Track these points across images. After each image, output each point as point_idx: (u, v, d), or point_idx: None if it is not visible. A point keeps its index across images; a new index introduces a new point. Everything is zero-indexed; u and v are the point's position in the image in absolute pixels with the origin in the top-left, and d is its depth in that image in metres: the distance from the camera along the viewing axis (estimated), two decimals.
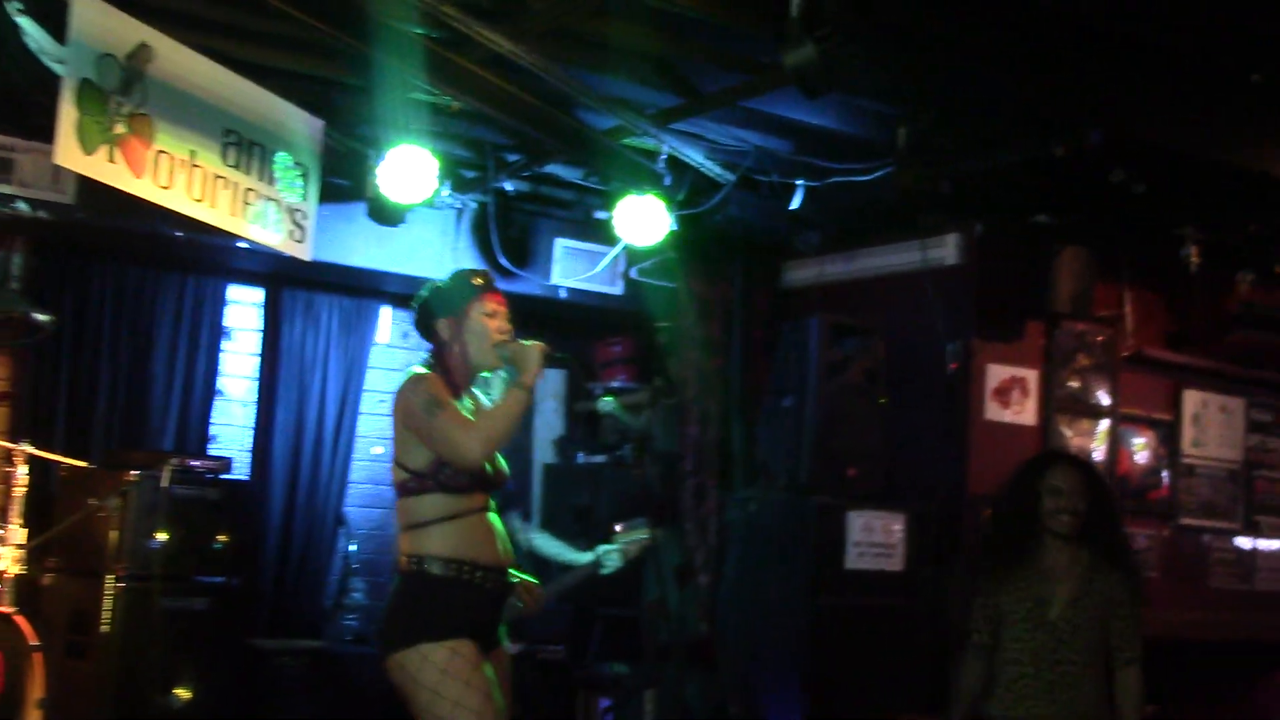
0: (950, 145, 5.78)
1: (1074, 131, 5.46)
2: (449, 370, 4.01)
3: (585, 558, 5.97)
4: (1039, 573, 4.38)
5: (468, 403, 4.04)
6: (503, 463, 4.10)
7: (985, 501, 6.39)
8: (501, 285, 7.17)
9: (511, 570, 4.07)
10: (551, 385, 8.43)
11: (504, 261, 7.26)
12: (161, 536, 5.87)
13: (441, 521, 3.88)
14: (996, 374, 6.70)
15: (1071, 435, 6.89)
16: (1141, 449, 7.24)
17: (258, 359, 7.38)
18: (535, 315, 8.09)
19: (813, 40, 4.28)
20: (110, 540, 5.80)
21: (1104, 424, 7.03)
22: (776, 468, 6.39)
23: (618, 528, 6.04)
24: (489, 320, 4.03)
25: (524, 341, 3.99)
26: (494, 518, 4.04)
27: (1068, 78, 5.21)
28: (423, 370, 3.98)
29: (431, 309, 4.08)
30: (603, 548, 5.94)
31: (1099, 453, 6.95)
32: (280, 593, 7.15)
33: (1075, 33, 4.97)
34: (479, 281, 4.08)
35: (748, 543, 6.43)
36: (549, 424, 8.38)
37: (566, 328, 8.31)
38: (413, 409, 3.87)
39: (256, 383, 7.36)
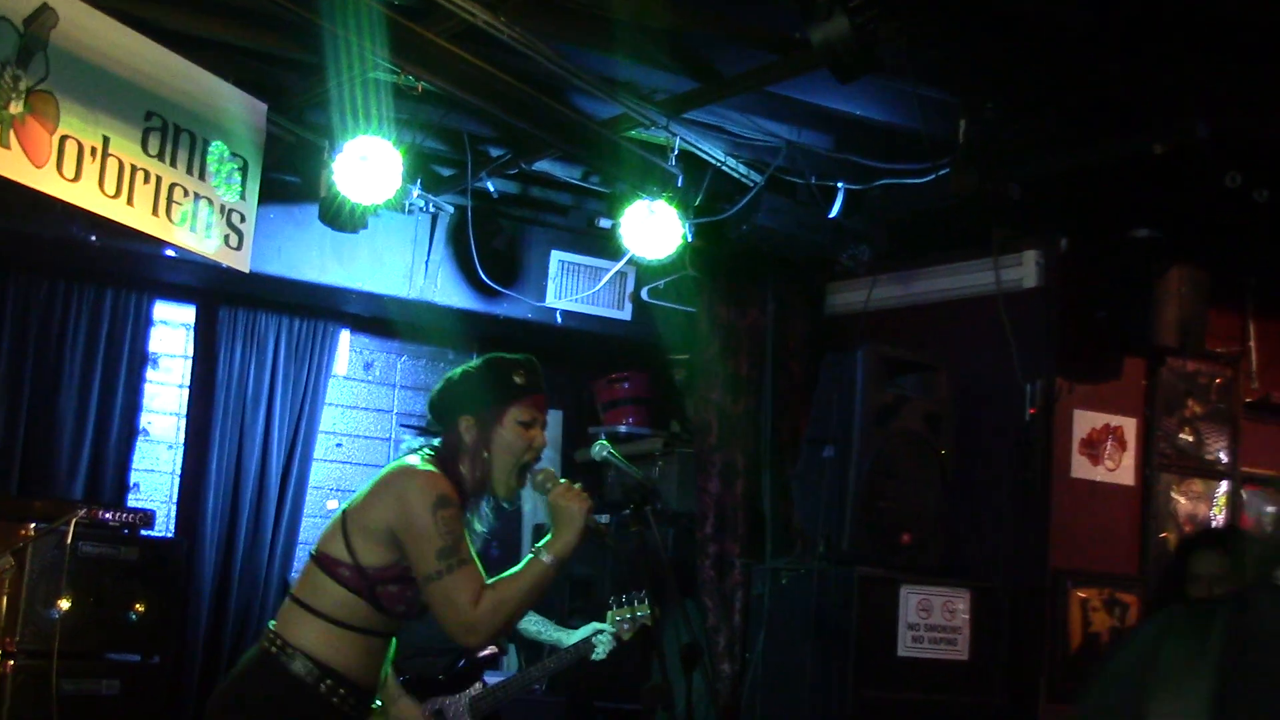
0: (1023, 141, 5.76)
1: (1177, 125, 5.43)
2: (456, 479, 3.91)
3: (573, 636, 5.93)
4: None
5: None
6: None
7: (1073, 576, 6.37)
8: (485, 307, 7.43)
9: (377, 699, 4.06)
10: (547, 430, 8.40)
11: (486, 278, 7.26)
12: (64, 605, 5.87)
13: (338, 625, 3.81)
14: (1085, 422, 6.67)
15: (1181, 499, 6.84)
16: (1273, 519, 7.13)
17: (187, 391, 7.40)
18: (525, 344, 8.11)
19: (844, 11, 4.24)
20: (0, 608, 5.77)
21: (1222, 486, 6.99)
22: (814, 532, 6.37)
23: (612, 601, 6.04)
24: (524, 431, 3.96)
25: (569, 486, 3.89)
26: (388, 645, 3.99)
27: (1169, 59, 5.18)
28: (431, 469, 3.85)
29: (456, 399, 3.99)
30: (594, 625, 5.93)
31: (1217, 522, 6.90)
32: (211, 675, 7.12)
33: (1178, 4, 4.94)
34: (521, 380, 4.00)
35: (779, 623, 6.40)
36: None
37: (563, 360, 8.36)
38: (417, 517, 3.75)
39: (185, 420, 7.38)
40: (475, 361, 4.10)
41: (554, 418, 8.47)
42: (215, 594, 7.21)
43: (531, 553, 3.81)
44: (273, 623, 3.89)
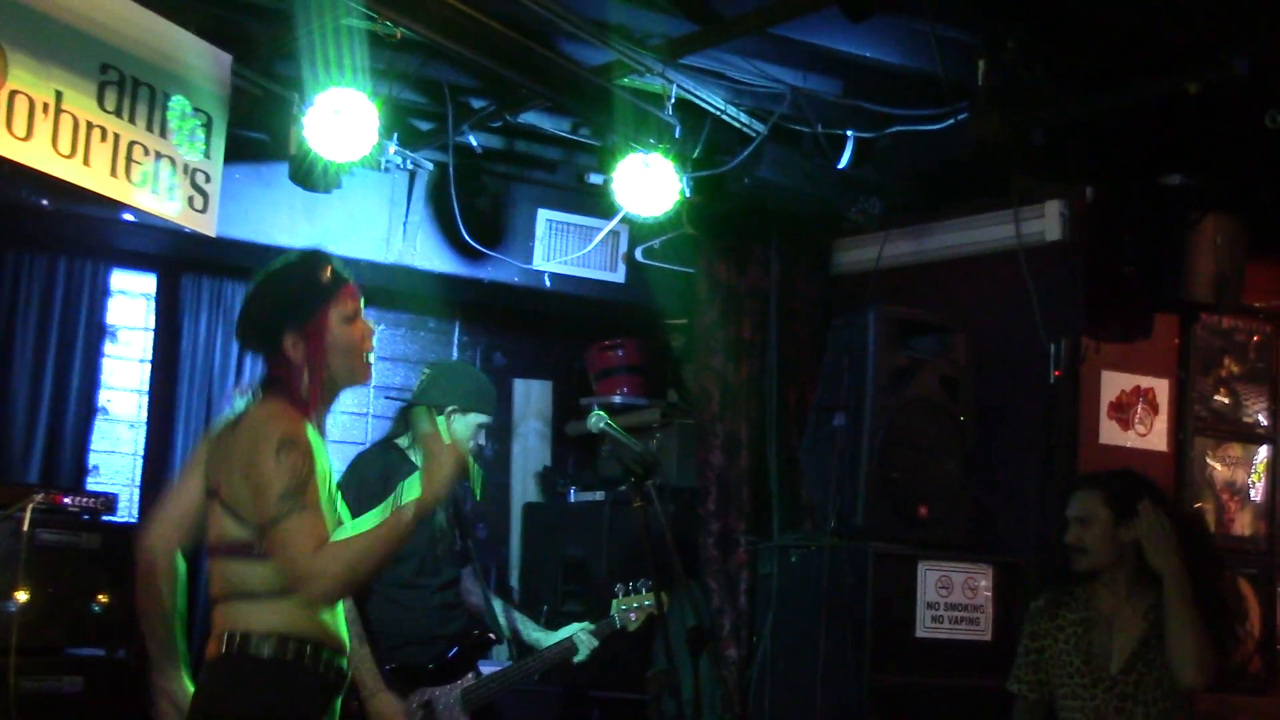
0: (1046, 83, 5.72)
1: (1214, 62, 5.39)
2: (297, 398, 3.83)
3: (553, 638, 5.96)
4: (1090, 618, 4.64)
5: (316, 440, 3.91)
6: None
7: None
8: (468, 271, 7.40)
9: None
10: (535, 401, 8.42)
11: (470, 239, 7.23)
12: (21, 596, 5.83)
13: (278, 596, 3.74)
14: (1114, 384, 6.68)
15: (1217, 465, 6.86)
16: None
17: (149, 366, 7.37)
18: (512, 310, 8.20)
19: None
20: None
21: (1262, 451, 7.02)
22: (825, 507, 6.38)
23: (618, 590, 6.04)
24: (351, 327, 3.90)
25: (434, 431, 3.78)
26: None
27: None
28: (268, 408, 3.81)
29: (270, 318, 3.91)
30: (575, 627, 5.96)
31: (1257, 490, 6.94)
32: None
33: None
34: (327, 276, 3.92)
35: (788, 604, 6.41)
36: (532, 451, 8.39)
37: (553, 326, 8.35)
38: (261, 460, 3.71)
39: (148, 397, 7.35)
40: (272, 274, 3.98)
41: (543, 389, 8.46)
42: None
43: (393, 504, 3.72)
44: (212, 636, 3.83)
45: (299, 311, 3.87)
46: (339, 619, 3.93)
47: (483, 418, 5.81)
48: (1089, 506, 4.70)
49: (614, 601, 6.00)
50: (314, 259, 3.97)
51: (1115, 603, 4.64)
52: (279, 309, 3.90)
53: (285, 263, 3.99)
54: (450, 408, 5.71)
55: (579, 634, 5.91)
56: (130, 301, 7.38)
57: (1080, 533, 4.66)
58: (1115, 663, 4.58)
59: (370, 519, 3.76)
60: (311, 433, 3.80)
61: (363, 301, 3.98)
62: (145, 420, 7.34)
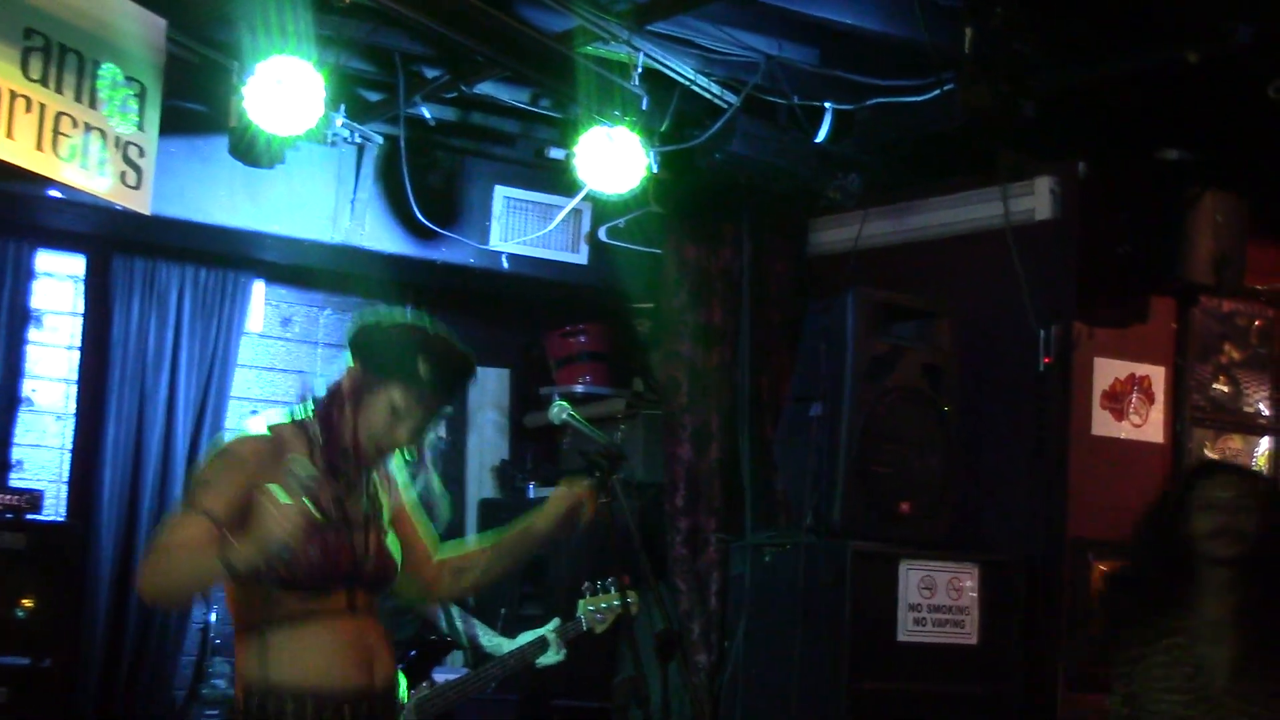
0: (1038, 52, 5.69)
1: (1214, 30, 5.40)
2: (329, 424, 3.93)
3: (513, 642, 5.98)
4: (1195, 626, 4.41)
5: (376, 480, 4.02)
6: (390, 544, 4.03)
7: (1095, 548, 6.41)
8: (420, 252, 7.38)
9: (395, 693, 4.06)
10: (491, 391, 8.41)
11: (422, 218, 7.21)
12: None
13: (278, 627, 3.82)
14: (1108, 371, 6.69)
15: (1216, 457, 6.84)
16: None
17: (78, 354, 7.34)
18: (467, 293, 8.18)
19: None
20: None
21: (1264, 443, 7.04)
22: (801, 503, 6.37)
23: (585, 590, 6.04)
24: (389, 417, 3.94)
25: (288, 505, 3.71)
26: (356, 624, 3.95)
27: None
28: (247, 435, 3.89)
29: (361, 339, 4.01)
30: (537, 632, 5.95)
31: None
32: (111, 679, 7.09)
33: None
34: (423, 373, 3.94)
35: (761, 606, 6.41)
36: (488, 444, 8.40)
37: (510, 310, 8.35)
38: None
39: (77, 386, 7.33)
40: (405, 318, 4.08)
41: (500, 377, 8.46)
42: (115, 586, 7.14)
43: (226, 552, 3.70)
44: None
45: (373, 360, 3.94)
46: (371, 655, 3.93)
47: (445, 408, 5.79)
48: (1244, 491, 4.44)
49: (580, 602, 6.01)
50: (437, 352, 3.99)
51: (1222, 607, 4.39)
52: (370, 340, 3.98)
53: (429, 331, 4.02)
54: None
55: (547, 635, 5.90)
56: (57, 284, 7.35)
57: (1238, 516, 4.36)
58: (1222, 676, 4.34)
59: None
60: (299, 462, 3.75)
61: (424, 422, 4.01)
62: (74, 412, 7.32)
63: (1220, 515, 4.38)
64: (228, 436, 3.94)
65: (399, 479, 4.17)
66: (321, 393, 4.00)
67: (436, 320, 4.08)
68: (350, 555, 3.92)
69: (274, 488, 3.70)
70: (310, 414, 3.96)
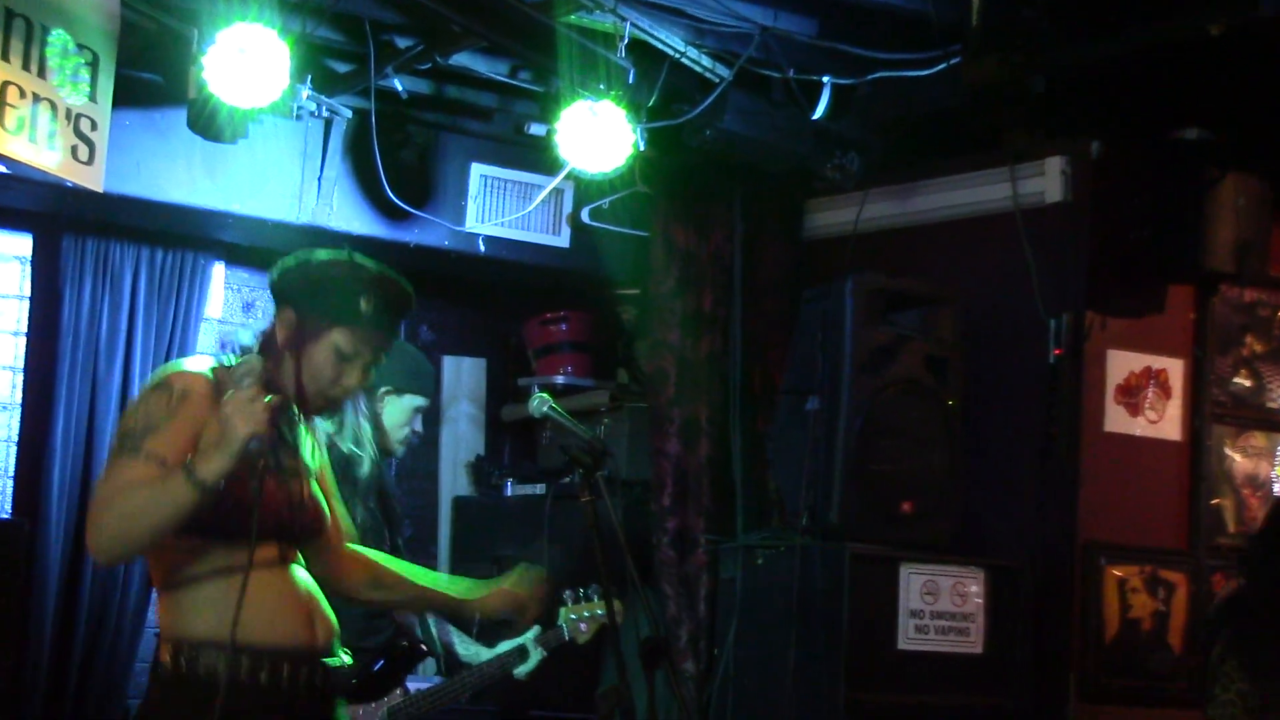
0: (1049, 24, 5.71)
1: (1237, 0, 5.38)
2: (270, 384, 3.93)
3: (486, 653, 6.02)
4: None
5: (305, 437, 4.07)
6: (319, 495, 4.09)
7: (1108, 551, 6.43)
8: (391, 234, 7.36)
9: (336, 653, 4.07)
10: (466, 381, 8.40)
11: (394, 198, 7.19)
12: None
13: (211, 580, 3.84)
14: (1122, 364, 6.70)
15: (1237, 456, 6.87)
16: None
17: (24, 340, 7.33)
18: (441, 278, 8.16)
19: None
20: None
21: None
22: (796, 502, 6.38)
23: (567, 597, 6.05)
24: (336, 363, 4.00)
25: (250, 397, 3.76)
26: (292, 574, 4.01)
27: None
28: (181, 369, 3.93)
29: (291, 284, 4.05)
30: (516, 642, 5.97)
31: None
32: (60, 687, 7.06)
33: None
34: (366, 308, 4.00)
35: (753, 612, 6.43)
36: (462, 438, 8.40)
37: (487, 296, 8.34)
38: (131, 406, 3.89)
39: (23, 375, 7.31)
40: (333, 254, 4.11)
41: (475, 367, 8.44)
42: (64, 587, 7.11)
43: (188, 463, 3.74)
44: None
45: (314, 303, 3.97)
46: (310, 610, 3.99)
47: (419, 400, 5.80)
48: None
49: (561, 610, 6.02)
50: (374, 283, 4.04)
51: None
52: (305, 283, 4.01)
53: (358, 263, 4.08)
54: (383, 389, 5.69)
55: (527, 643, 5.90)
56: (2, 266, 7.32)
57: None
58: None
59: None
60: (248, 364, 3.86)
61: (373, 361, 4.06)
62: (20, 402, 7.29)
63: None
64: (165, 371, 3.93)
65: (321, 441, 4.22)
66: (248, 343, 4.02)
67: (358, 253, 4.12)
68: (286, 502, 3.96)
69: (239, 372, 3.81)
70: (224, 362, 3.98)
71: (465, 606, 4.53)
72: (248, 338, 4.05)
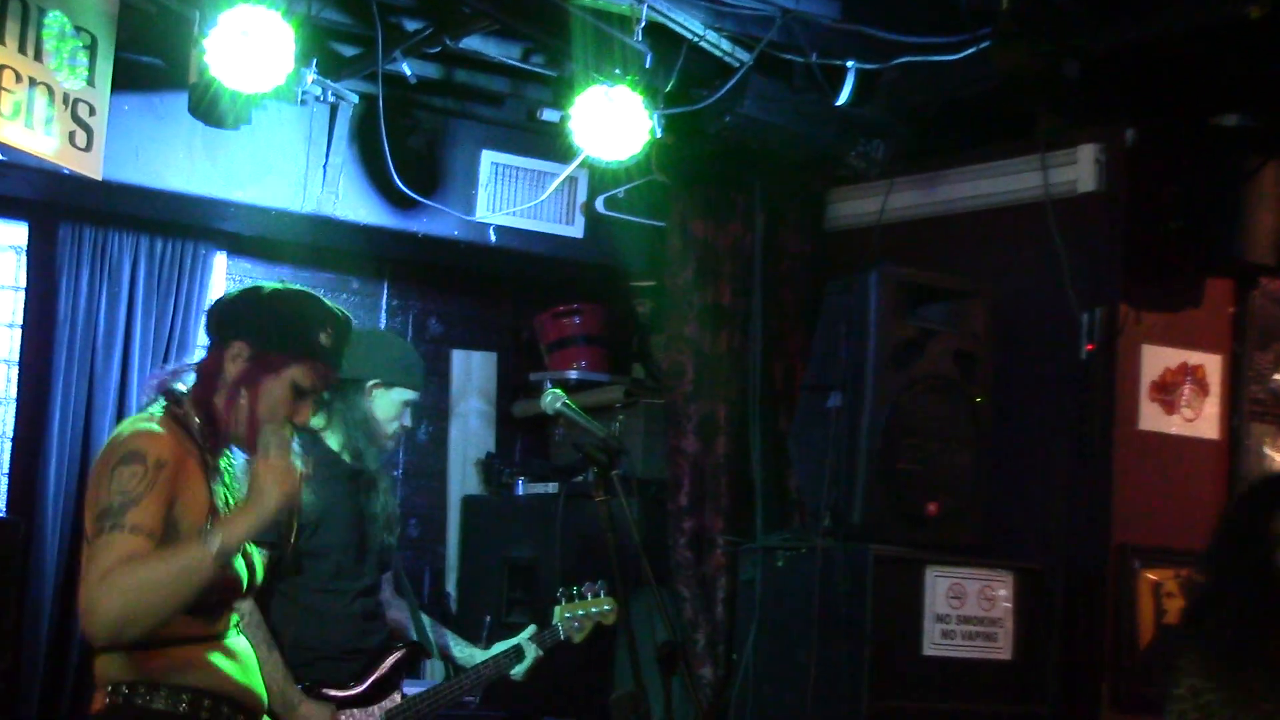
0: (1081, 5, 5.72)
1: None
2: (208, 410, 3.96)
3: (482, 655, 6.00)
4: None
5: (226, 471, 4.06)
6: (258, 559, 4.06)
7: (1142, 554, 6.40)
8: (399, 223, 7.36)
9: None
10: (476, 376, 8.40)
11: (402, 186, 7.18)
12: None
13: (165, 648, 3.83)
14: (1158, 360, 6.69)
15: (1277, 455, 6.88)
16: None
17: (19, 332, 7.34)
18: (450, 269, 8.16)
19: None
20: None
21: None
22: (817, 502, 6.37)
23: (561, 595, 6.07)
24: (293, 399, 4.00)
25: (279, 459, 3.81)
26: (237, 643, 4.02)
27: None
28: (148, 430, 3.87)
29: (241, 317, 4.04)
30: (511, 642, 5.96)
31: None
32: (56, 691, 7.07)
33: None
34: (325, 342, 4.03)
35: (773, 616, 6.42)
36: (472, 435, 8.40)
37: (498, 288, 8.34)
38: (95, 477, 3.80)
39: (18, 369, 7.32)
40: (284, 286, 4.14)
41: (485, 361, 8.44)
42: (60, 589, 7.11)
43: (203, 538, 3.73)
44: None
45: (272, 337, 3.97)
46: (248, 673, 4.00)
47: (409, 394, 5.79)
48: None
49: (556, 609, 6.03)
50: (330, 318, 4.07)
51: None
52: (260, 316, 4.00)
53: (311, 296, 4.11)
54: (371, 381, 5.69)
55: (523, 642, 5.90)
56: None
57: None
58: None
59: None
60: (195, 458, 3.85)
61: (323, 396, 4.16)
62: (14, 397, 7.30)
63: None
64: (123, 434, 3.86)
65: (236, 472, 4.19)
66: (185, 383, 4.01)
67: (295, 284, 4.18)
68: (238, 578, 3.95)
69: (266, 438, 3.78)
70: (170, 406, 3.96)
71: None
72: (185, 380, 4.05)
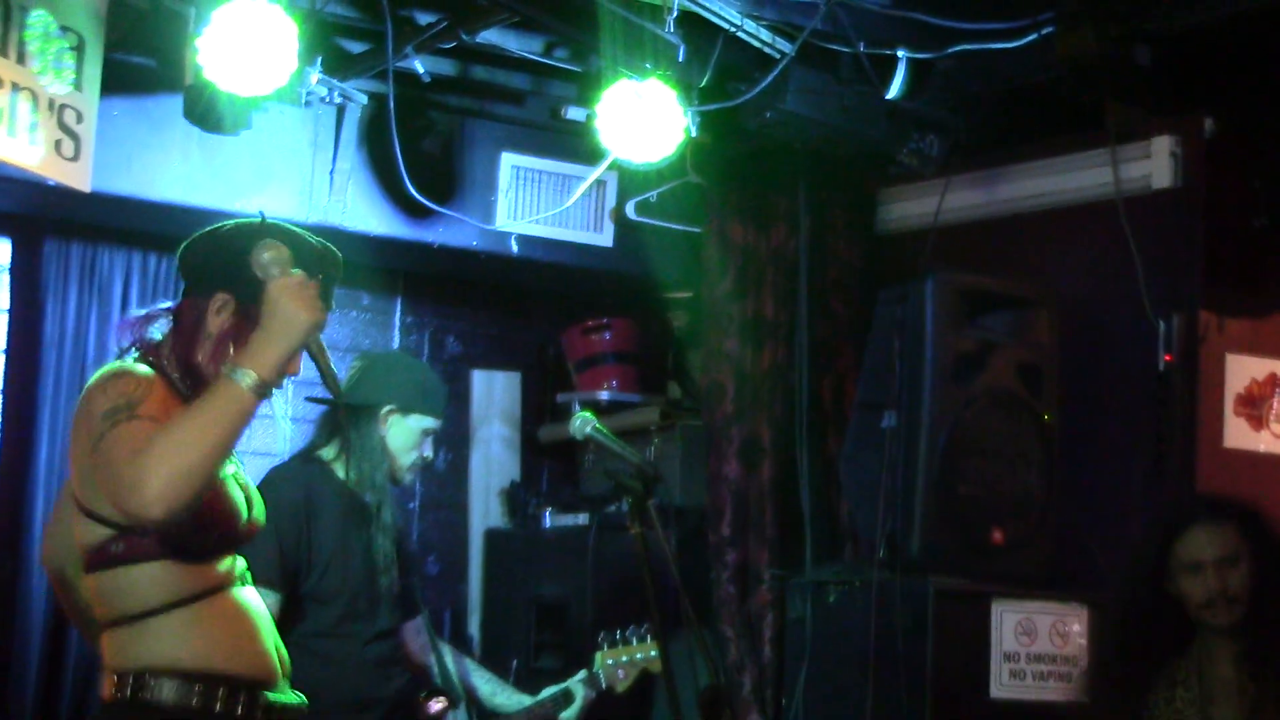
0: None
1: None
2: (187, 362, 3.98)
3: (517, 696, 6.05)
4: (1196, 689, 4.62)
5: None
6: (259, 502, 4.10)
7: None
8: (413, 234, 7.39)
9: (287, 689, 4.09)
10: (499, 399, 8.40)
11: (415, 193, 7.17)
12: None
13: (170, 610, 3.85)
14: (1242, 371, 6.70)
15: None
16: None
17: (3, 356, 7.33)
18: (469, 282, 8.17)
19: None
20: None
21: None
22: (872, 531, 6.40)
23: (603, 640, 6.09)
24: (286, 273, 3.93)
25: (301, 281, 3.83)
26: (247, 597, 4.04)
27: None
28: (130, 366, 3.93)
29: (219, 266, 4.05)
30: (562, 686, 6.01)
31: None
32: (48, 710, 7.09)
33: None
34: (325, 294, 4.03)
35: (825, 657, 6.46)
36: (495, 463, 8.42)
37: (521, 303, 8.34)
38: (92, 418, 3.79)
39: (1, 395, 7.31)
40: (250, 224, 4.14)
41: (509, 382, 8.43)
42: (49, 625, 7.13)
43: (226, 369, 3.73)
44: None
45: (258, 287, 3.90)
46: (265, 636, 4.01)
47: (428, 421, 5.79)
48: (1231, 543, 4.64)
49: (597, 655, 6.06)
50: (333, 261, 4.18)
51: (1232, 665, 4.63)
52: (234, 262, 3.97)
53: (292, 234, 4.12)
54: (385, 408, 5.69)
55: (572, 687, 5.91)
56: None
57: (1229, 577, 4.60)
58: None
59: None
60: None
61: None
62: None
63: (1208, 581, 4.60)
64: (106, 371, 3.91)
65: None
66: (157, 335, 4.04)
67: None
68: (236, 507, 3.98)
69: (265, 263, 3.82)
70: (147, 356, 3.99)
71: None
72: (158, 331, 4.07)
